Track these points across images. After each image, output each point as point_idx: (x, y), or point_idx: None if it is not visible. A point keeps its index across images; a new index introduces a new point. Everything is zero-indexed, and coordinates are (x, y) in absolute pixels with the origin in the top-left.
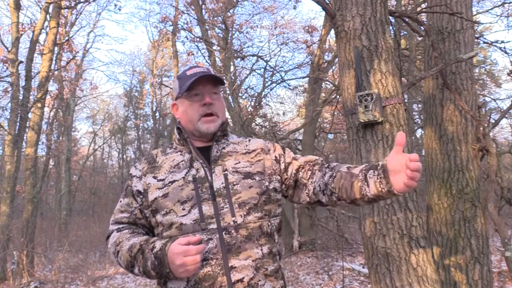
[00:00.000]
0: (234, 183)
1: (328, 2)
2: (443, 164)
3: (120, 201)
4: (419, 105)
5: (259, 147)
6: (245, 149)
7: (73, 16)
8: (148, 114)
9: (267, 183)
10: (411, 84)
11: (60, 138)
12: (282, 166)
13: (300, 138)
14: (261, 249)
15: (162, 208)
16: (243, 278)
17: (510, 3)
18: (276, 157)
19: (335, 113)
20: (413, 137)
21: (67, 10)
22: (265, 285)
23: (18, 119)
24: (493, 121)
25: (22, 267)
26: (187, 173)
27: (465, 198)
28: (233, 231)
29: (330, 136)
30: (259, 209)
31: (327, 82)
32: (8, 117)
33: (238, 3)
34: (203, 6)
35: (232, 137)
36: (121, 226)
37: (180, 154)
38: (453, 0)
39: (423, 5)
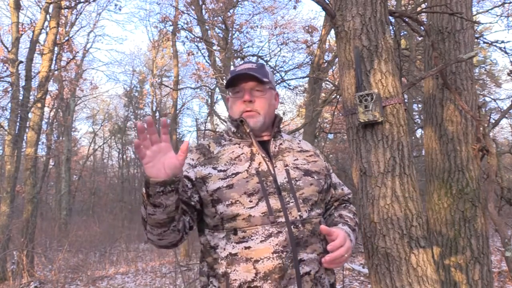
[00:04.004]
0: (296, 178)
1: (328, 2)
2: (443, 164)
3: None
4: (419, 105)
5: (311, 150)
6: (299, 147)
7: (73, 16)
8: (148, 114)
9: (323, 183)
10: (411, 84)
11: (60, 138)
12: (328, 181)
13: (300, 138)
14: (322, 244)
15: (227, 198)
16: (310, 271)
17: (510, 3)
18: (326, 166)
19: (335, 113)
20: (413, 137)
21: (67, 10)
22: (325, 279)
23: (18, 119)
24: (493, 121)
25: (22, 267)
26: (249, 166)
27: (465, 198)
28: (300, 225)
29: (330, 136)
30: (318, 206)
31: (327, 82)
32: (8, 117)
33: (238, 3)
34: (203, 6)
35: (283, 134)
36: None
37: (239, 147)
38: (453, 0)
39: (423, 5)
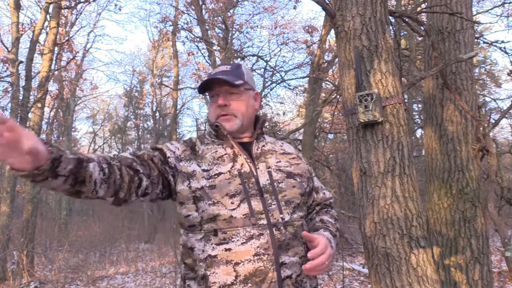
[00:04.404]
0: (279, 180)
1: (328, 2)
2: (443, 164)
3: None
4: (419, 105)
5: (294, 153)
6: (281, 150)
7: (73, 16)
8: (148, 114)
9: (305, 185)
10: (411, 84)
11: (60, 138)
12: (311, 184)
13: (300, 138)
14: (304, 247)
15: (209, 198)
16: (292, 274)
17: (510, 3)
18: (308, 169)
19: (335, 113)
20: (413, 137)
21: (67, 10)
22: (307, 283)
23: (18, 119)
24: (493, 121)
25: (22, 267)
26: (232, 167)
27: (465, 198)
28: (282, 228)
29: (330, 136)
30: (300, 209)
31: (327, 82)
32: (8, 117)
33: (238, 3)
34: (203, 6)
35: (266, 136)
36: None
37: (222, 147)
38: (453, 0)
39: (423, 5)
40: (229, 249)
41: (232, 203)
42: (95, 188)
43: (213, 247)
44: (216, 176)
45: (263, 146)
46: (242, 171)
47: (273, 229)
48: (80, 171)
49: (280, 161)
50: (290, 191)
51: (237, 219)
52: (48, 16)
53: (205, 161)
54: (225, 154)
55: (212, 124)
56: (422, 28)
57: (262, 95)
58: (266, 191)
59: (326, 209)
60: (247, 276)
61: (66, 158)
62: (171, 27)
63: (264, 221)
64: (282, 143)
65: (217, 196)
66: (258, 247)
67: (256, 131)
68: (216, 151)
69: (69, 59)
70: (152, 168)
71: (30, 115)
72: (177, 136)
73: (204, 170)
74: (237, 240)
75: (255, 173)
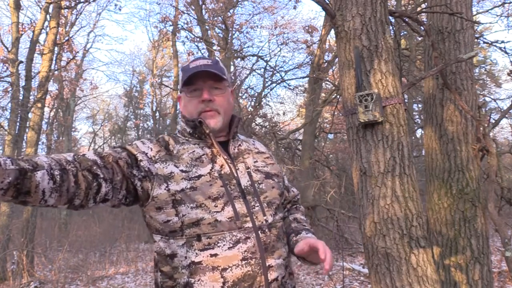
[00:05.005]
0: (259, 181)
1: (328, 2)
2: (443, 164)
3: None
4: (419, 105)
5: (267, 152)
6: (256, 149)
7: (73, 16)
8: (148, 114)
9: (282, 185)
10: (411, 84)
11: (60, 138)
12: (284, 183)
13: (300, 138)
14: (286, 249)
15: (191, 200)
16: (278, 277)
17: (510, 3)
18: (281, 168)
19: (335, 113)
20: (413, 137)
21: (67, 10)
22: (289, 284)
23: (18, 119)
24: (493, 121)
25: (22, 267)
26: (212, 168)
27: (465, 198)
28: (267, 230)
29: (330, 136)
30: (280, 209)
31: (327, 82)
32: (8, 117)
33: (238, 3)
34: (203, 6)
35: (239, 135)
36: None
37: (198, 147)
38: (453, 0)
39: (423, 5)
40: (215, 255)
41: (216, 206)
42: (44, 198)
43: (196, 253)
44: (196, 179)
45: (239, 145)
46: (223, 172)
47: (259, 232)
48: (24, 182)
49: (257, 161)
50: (270, 192)
51: (223, 223)
52: (48, 16)
53: (183, 161)
54: (203, 155)
55: (193, 120)
56: (422, 28)
57: (262, 95)
58: (248, 193)
59: (295, 206)
60: (235, 282)
61: (4, 171)
62: (171, 27)
63: (250, 224)
64: (254, 141)
65: (199, 199)
66: (245, 251)
67: (232, 129)
68: (194, 151)
69: (69, 59)
70: (116, 172)
71: (30, 115)
72: None
73: (183, 171)
74: (224, 245)
75: (235, 174)
